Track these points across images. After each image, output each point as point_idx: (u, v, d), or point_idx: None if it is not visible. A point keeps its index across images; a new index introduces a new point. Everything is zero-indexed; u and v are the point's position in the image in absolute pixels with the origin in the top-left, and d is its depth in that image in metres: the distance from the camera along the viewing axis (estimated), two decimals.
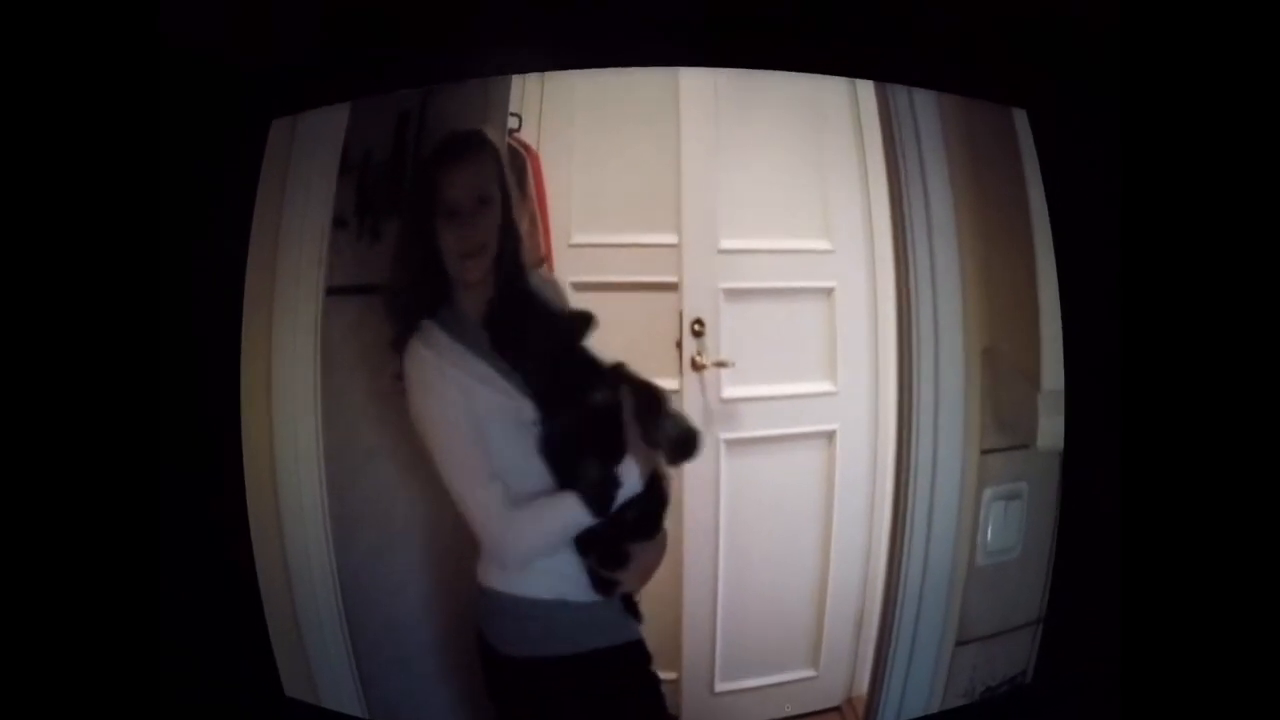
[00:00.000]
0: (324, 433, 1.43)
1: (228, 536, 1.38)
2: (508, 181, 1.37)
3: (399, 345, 1.34)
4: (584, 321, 1.38)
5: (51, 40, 1.05)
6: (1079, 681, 1.37)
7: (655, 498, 1.38)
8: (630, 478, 1.33)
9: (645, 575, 1.40)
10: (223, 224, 1.39)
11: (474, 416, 1.31)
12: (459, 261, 1.33)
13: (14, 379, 1.02)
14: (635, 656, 1.40)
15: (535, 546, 1.34)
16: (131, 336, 1.09)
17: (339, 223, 1.43)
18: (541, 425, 1.32)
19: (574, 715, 1.37)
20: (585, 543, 1.34)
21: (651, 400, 1.36)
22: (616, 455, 1.33)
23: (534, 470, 1.33)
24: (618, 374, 1.37)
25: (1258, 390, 1.02)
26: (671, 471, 1.41)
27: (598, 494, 1.31)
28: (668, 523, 1.41)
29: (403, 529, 1.48)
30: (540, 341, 1.35)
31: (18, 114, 1.03)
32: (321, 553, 1.44)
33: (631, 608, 1.40)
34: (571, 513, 1.32)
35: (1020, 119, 1.41)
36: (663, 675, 1.43)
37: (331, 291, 1.43)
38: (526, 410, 1.32)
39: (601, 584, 1.36)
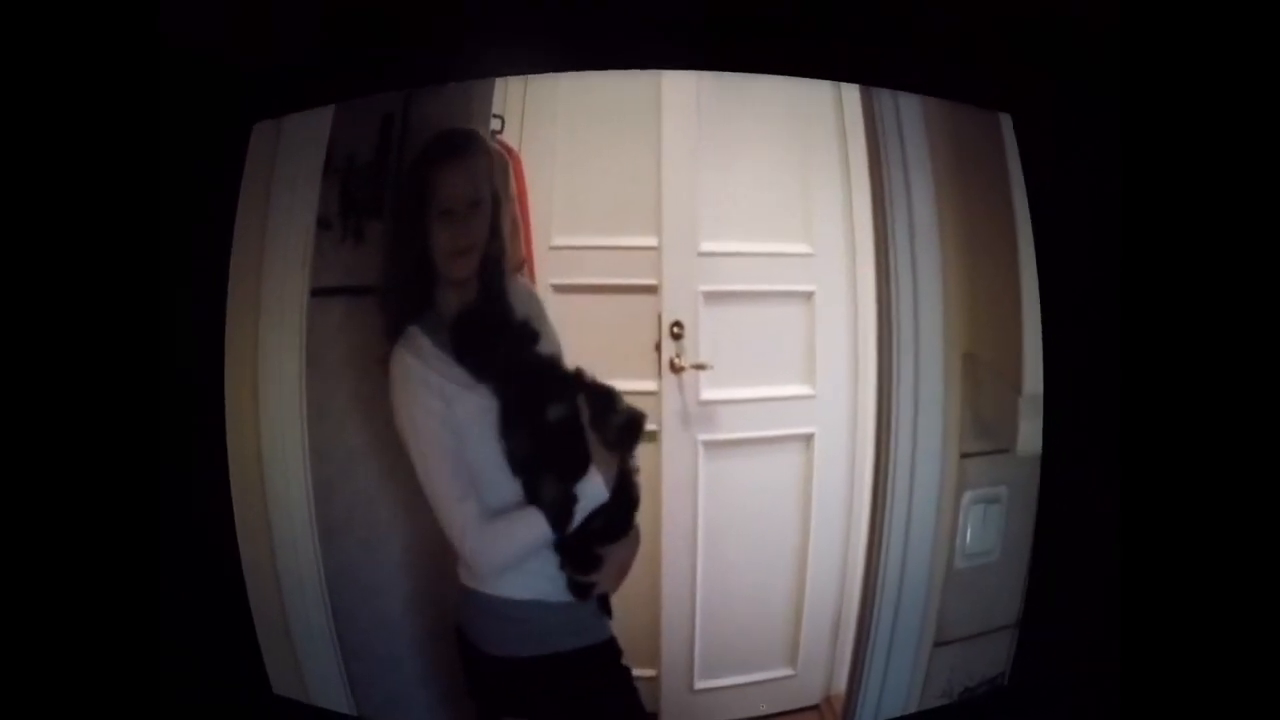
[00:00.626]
0: (310, 434, 1.45)
1: (215, 537, 1.40)
2: (496, 183, 1.37)
3: (391, 341, 1.34)
4: (535, 330, 1.39)
5: (51, 41, 1.05)
6: (1057, 683, 1.37)
7: (624, 500, 1.39)
8: (593, 489, 1.34)
9: (621, 574, 1.42)
10: (211, 225, 1.39)
11: (454, 425, 1.32)
12: (449, 258, 1.34)
13: None
14: (613, 655, 1.41)
15: (507, 559, 1.35)
16: (119, 337, 1.10)
17: (323, 224, 1.43)
18: (503, 440, 1.33)
19: (554, 714, 1.39)
20: (558, 549, 1.36)
21: (606, 402, 1.36)
22: (578, 467, 1.34)
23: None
24: (574, 381, 1.37)
25: (1251, 392, 1.02)
26: (641, 467, 1.42)
27: (558, 511, 1.33)
28: (644, 523, 1.42)
29: (388, 529, 1.49)
30: (500, 353, 1.35)
31: (17, 115, 1.04)
32: (309, 552, 1.45)
33: (606, 607, 1.42)
34: (539, 528, 1.33)
35: (1005, 123, 1.40)
36: (642, 673, 1.45)
37: (316, 293, 1.43)
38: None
39: (577, 588, 1.38)
